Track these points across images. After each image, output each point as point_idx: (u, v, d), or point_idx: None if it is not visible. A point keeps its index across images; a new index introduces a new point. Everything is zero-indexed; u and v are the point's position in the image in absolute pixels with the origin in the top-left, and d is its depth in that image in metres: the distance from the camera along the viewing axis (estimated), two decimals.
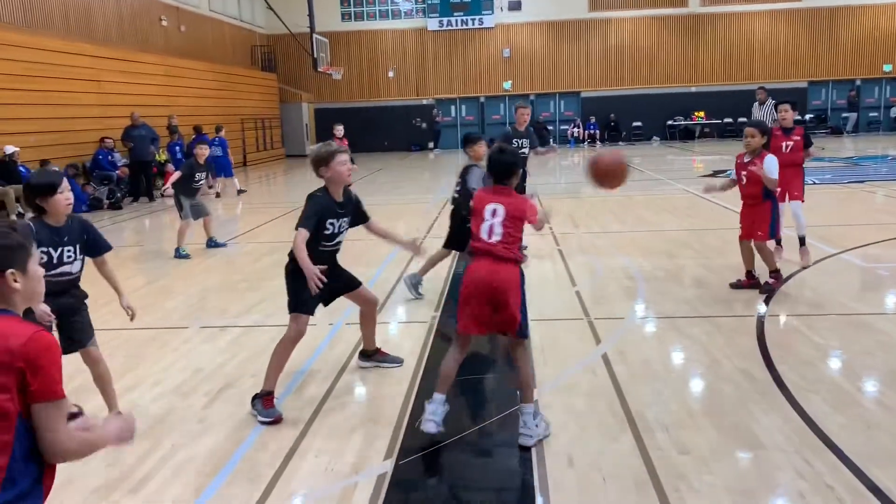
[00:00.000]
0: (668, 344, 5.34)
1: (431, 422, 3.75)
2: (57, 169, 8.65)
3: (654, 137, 31.86)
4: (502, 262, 3.73)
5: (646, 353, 5.09)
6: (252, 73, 28.91)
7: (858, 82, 31.81)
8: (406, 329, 6.01)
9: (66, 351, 4.13)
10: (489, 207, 3.80)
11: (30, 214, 4.19)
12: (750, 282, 6.58)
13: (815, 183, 14.57)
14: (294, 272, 4.41)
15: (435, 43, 32.64)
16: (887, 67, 31.44)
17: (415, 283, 6.90)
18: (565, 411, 4.14)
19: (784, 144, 7.53)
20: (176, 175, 9.52)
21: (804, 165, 7.80)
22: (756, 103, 13.31)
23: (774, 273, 6.54)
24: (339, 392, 4.61)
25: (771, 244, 6.81)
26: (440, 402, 3.83)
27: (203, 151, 9.78)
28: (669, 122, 31.88)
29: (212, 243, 9.97)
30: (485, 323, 3.81)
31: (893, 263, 7.52)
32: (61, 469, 3.62)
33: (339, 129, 14.09)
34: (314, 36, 25.28)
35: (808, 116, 31.95)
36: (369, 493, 3.35)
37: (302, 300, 4.43)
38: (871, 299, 6.47)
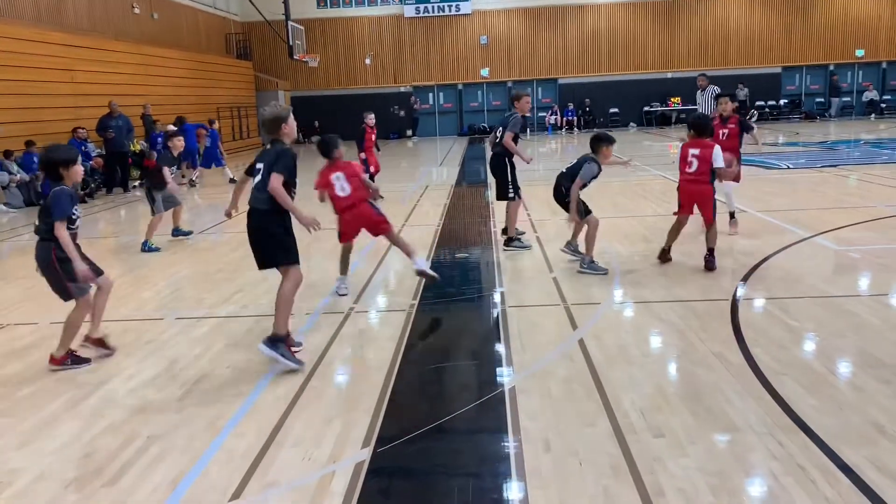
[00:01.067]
0: (644, 329, 5.38)
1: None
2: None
3: (631, 123, 31.99)
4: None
5: (622, 339, 5.13)
6: (227, 61, 28.59)
7: (832, 67, 32.12)
8: (385, 317, 6.00)
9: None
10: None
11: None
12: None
13: (789, 167, 14.73)
14: (282, 227, 4.82)
15: (412, 30, 32.47)
16: (860, 52, 31.78)
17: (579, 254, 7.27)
18: (542, 397, 4.17)
19: (721, 132, 8.47)
20: (166, 171, 9.30)
21: (743, 150, 9.00)
22: (698, 90, 13.49)
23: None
24: (316, 381, 4.60)
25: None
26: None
27: (178, 143, 9.67)
28: (646, 108, 32.04)
29: (177, 232, 9.90)
30: None
31: (865, 246, 7.63)
32: (35, 461, 3.60)
33: (371, 118, 13.59)
34: (289, 23, 25.04)
35: (782, 101, 32.25)
36: (347, 481, 3.35)
37: (295, 250, 4.90)
38: (844, 282, 6.56)
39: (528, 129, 28.69)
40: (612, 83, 31.91)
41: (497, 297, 6.38)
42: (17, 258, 9.40)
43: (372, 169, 13.15)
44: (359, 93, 32.35)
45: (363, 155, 13.06)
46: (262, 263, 4.91)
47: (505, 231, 8.49)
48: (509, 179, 8.32)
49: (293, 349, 4.93)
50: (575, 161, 7.42)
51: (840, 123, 29.20)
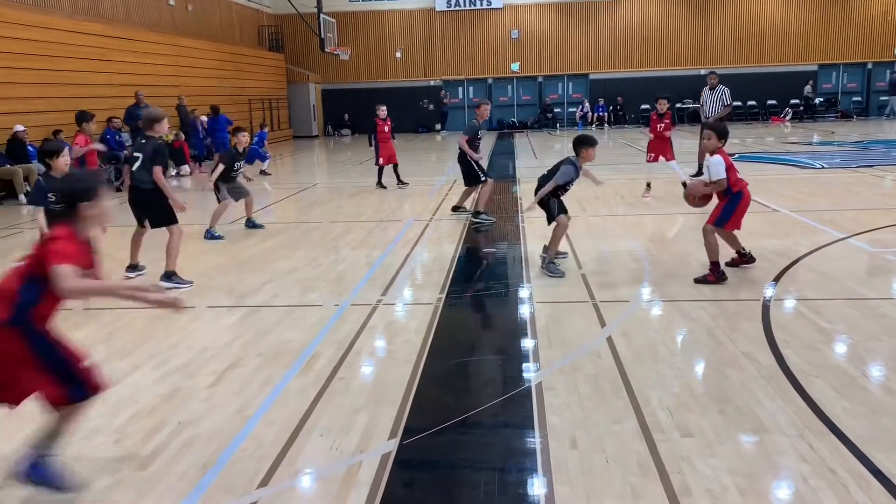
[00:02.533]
0: (672, 327, 5.34)
1: None
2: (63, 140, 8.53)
3: None
4: None
5: (650, 336, 5.10)
6: (259, 53, 28.82)
7: (870, 65, 31.53)
8: (412, 310, 6.02)
9: None
10: None
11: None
12: (742, 259, 6.80)
13: (823, 167, 14.49)
14: (163, 200, 7.03)
15: (443, 23, 32.46)
16: None
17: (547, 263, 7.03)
18: (569, 393, 4.15)
19: (658, 125, 11.61)
20: (219, 169, 9.44)
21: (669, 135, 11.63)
22: (707, 88, 13.33)
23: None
24: (344, 372, 4.63)
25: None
26: None
27: (243, 139, 9.75)
28: (678, 105, 31.68)
29: (250, 224, 10.03)
30: None
31: None
32: (67, 445, 3.66)
33: (383, 110, 13.91)
34: (321, 16, 25.17)
35: (818, 100, 31.71)
36: (374, 471, 3.37)
37: (173, 214, 7.05)
38: (878, 284, 6.45)
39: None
40: (643, 79, 31.62)
41: (525, 293, 6.36)
42: None
43: (381, 161, 13.34)
44: (388, 86, 32.44)
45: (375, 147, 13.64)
46: (154, 225, 7.17)
47: (473, 214, 10.03)
48: (475, 168, 10.09)
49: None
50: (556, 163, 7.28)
51: (877, 123, 28.63)
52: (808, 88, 30.98)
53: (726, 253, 6.66)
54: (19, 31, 14.44)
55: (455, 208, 10.64)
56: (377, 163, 13.57)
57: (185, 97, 19.28)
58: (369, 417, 3.95)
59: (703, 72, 31.02)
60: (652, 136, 11.80)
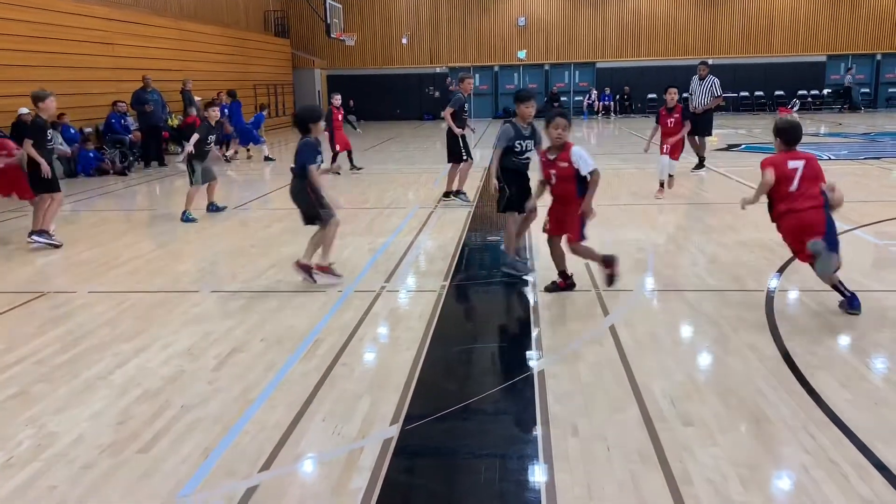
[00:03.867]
0: (676, 317, 5.33)
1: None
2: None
3: None
4: None
5: (653, 326, 5.09)
6: (265, 38, 28.71)
7: (879, 57, 31.31)
8: (415, 297, 6.02)
9: None
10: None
11: None
12: (565, 283, 5.94)
13: (830, 159, 14.41)
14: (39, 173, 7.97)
15: (449, 9, 32.30)
16: None
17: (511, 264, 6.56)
18: (571, 381, 4.16)
19: (668, 121, 10.69)
20: (194, 138, 9.47)
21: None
22: (696, 77, 13.27)
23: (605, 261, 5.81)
24: (347, 358, 4.64)
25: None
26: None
27: (214, 113, 9.79)
28: (685, 95, 31.45)
29: (212, 208, 10.03)
30: None
31: None
32: (72, 426, 3.68)
33: (338, 99, 14.50)
34: (328, 1, 25.03)
35: (826, 91, 31.51)
36: (375, 457, 3.38)
37: (55, 183, 8.26)
38: (883, 276, 6.43)
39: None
40: (651, 68, 31.45)
41: (529, 281, 6.35)
42: (59, 228, 9.58)
43: (338, 147, 13.93)
44: (394, 72, 32.34)
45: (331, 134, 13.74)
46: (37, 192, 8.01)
47: (452, 193, 10.33)
48: (461, 145, 10.11)
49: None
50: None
51: (888, 115, 28.46)
52: (848, 78, 30.35)
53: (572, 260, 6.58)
54: (24, 13, 14.39)
55: (446, 194, 10.41)
56: (333, 150, 13.72)
57: (191, 81, 19.23)
58: (371, 403, 3.96)
59: (710, 61, 30.99)
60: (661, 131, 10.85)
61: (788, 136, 5.29)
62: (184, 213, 9.43)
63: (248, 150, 17.80)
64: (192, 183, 9.58)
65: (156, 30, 19.54)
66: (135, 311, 5.71)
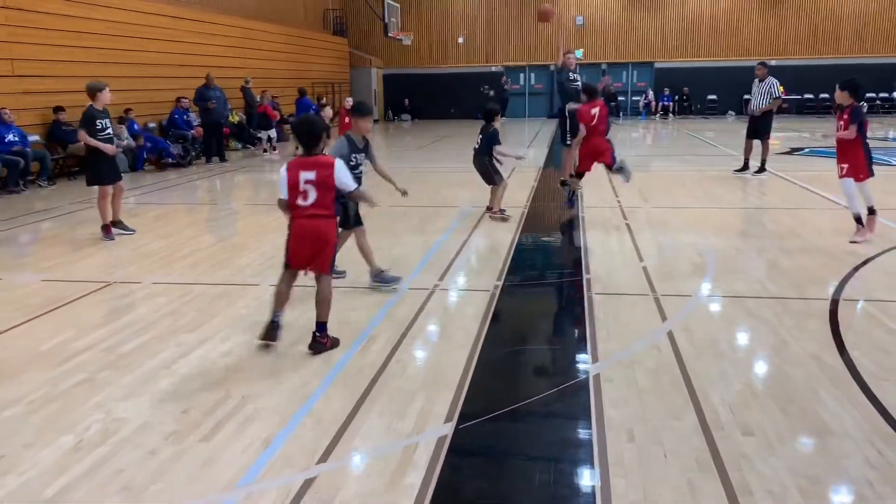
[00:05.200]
0: (735, 323, 5.23)
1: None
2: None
3: (730, 112, 30.87)
4: None
5: (712, 332, 5.01)
6: (324, 36, 29.10)
7: None
8: (469, 296, 6.04)
9: None
10: None
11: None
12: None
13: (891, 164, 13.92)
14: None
15: (506, 9, 32.21)
16: None
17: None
18: (628, 386, 4.12)
19: (839, 123, 7.59)
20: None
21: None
22: (756, 80, 12.86)
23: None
24: (401, 355, 4.69)
25: None
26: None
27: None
28: (746, 97, 30.72)
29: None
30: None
31: None
32: (138, 413, 3.81)
33: (349, 101, 14.88)
34: (386, 1, 25.22)
35: None
36: (429, 454, 3.41)
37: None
38: None
39: (618, 116, 28.02)
40: (711, 69, 30.83)
41: (583, 283, 6.32)
42: (123, 219, 9.89)
43: None
44: (449, 72, 32.41)
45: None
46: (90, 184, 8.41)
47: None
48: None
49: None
50: None
51: None
52: None
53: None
54: (95, 11, 14.90)
55: (563, 182, 10.60)
56: None
57: (252, 79, 19.64)
58: (425, 400, 3.99)
59: (773, 62, 30.20)
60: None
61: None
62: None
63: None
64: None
65: (220, 28, 20.00)
66: (197, 302, 5.87)
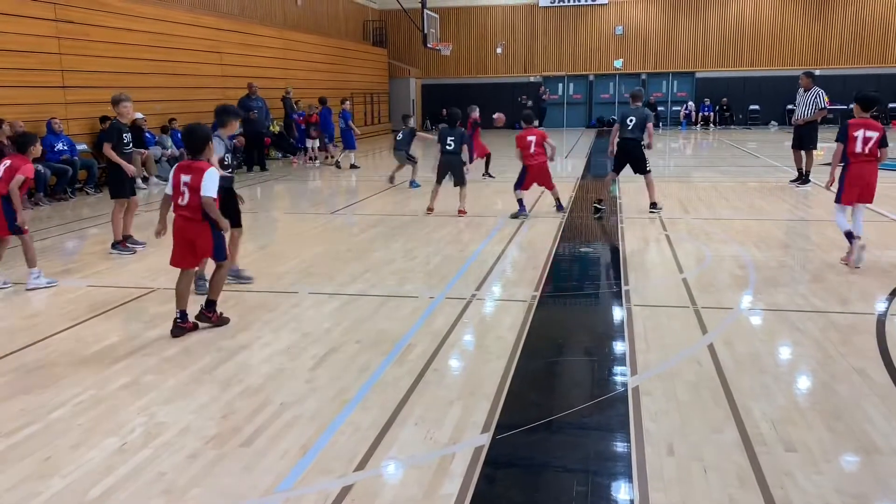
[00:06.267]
0: (778, 337, 5.13)
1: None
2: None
3: (773, 122, 30.39)
4: None
5: (754, 346, 4.92)
6: (363, 47, 29.40)
7: None
8: (506, 306, 6.02)
9: None
10: None
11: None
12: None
13: None
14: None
15: (545, 19, 32.18)
16: None
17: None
18: (667, 399, 4.07)
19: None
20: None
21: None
22: (801, 89, 12.60)
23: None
24: (438, 364, 4.70)
25: None
26: None
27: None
28: (789, 107, 30.25)
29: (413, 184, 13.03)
30: None
31: None
32: (179, 417, 3.87)
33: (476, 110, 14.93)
34: (425, 11, 25.39)
35: None
36: (466, 464, 3.41)
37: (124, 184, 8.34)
38: None
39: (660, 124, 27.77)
40: (753, 78, 30.41)
41: (622, 295, 6.26)
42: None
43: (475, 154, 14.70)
44: (488, 82, 32.45)
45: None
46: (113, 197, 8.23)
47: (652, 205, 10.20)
48: (646, 158, 9.98)
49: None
50: None
51: None
52: None
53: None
54: (141, 23, 15.26)
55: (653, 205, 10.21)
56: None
57: (293, 90, 19.91)
58: (462, 410, 3.99)
59: (817, 72, 29.58)
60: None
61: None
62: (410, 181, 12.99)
63: (327, 154, 18.50)
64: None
65: (261, 39, 20.33)
66: (238, 309, 5.95)
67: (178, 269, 5.48)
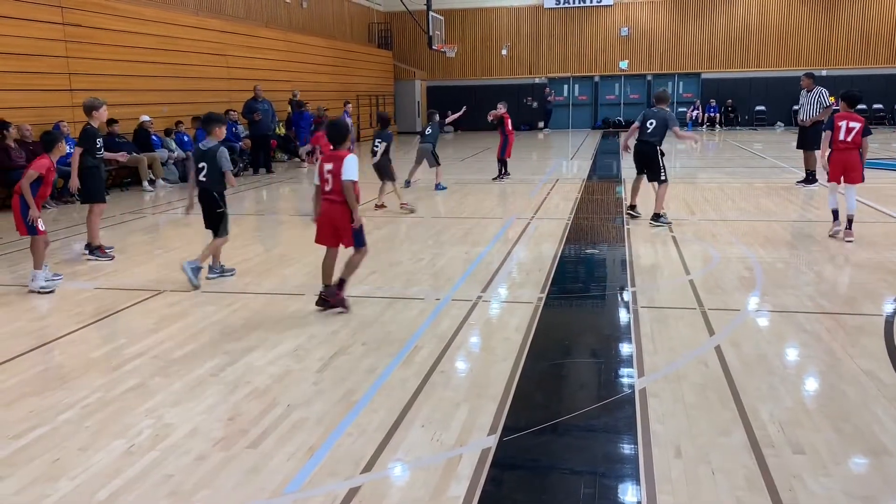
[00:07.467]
0: (786, 339, 5.12)
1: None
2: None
3: (779, 123, 30.29)
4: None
5: (762, 347, 4.91)
6: (369, 49, 29.45)
7: None
8: (512, 308, 6.02)
9: None
10: None
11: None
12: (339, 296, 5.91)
13: None
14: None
15: (550, 21, 32.17)
16: None
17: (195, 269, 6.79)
18: (674, 401, 4.06)
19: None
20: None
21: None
22: (803, 90, 12.59)
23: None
24: (444, 365, 4.70)
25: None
26: None
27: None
28: (795, 107, 30.12)
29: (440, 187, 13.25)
30: None
31: None
32: (187, 419, 3.88)
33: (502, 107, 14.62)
34: (430, 13, 25.42)
35: None
36: (473, 466, 3.40)
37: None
38: None
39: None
40: (759, 79, 30.32)
41: (628, 297, 6.25)
42: (173, 229, 10.13)
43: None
44: (493, 83, 32.43)
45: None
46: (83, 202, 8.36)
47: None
48: (661, 165, 9.62)
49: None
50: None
51: None
52: None
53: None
54: (147, 26, 15.32)
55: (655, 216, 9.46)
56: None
57: (299, 92, 19.95)
58: (469, 412, 3.99)
59: (824, 72, 29.51)
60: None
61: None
62: (436, 184, 13.20)
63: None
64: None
65: (266, 41, 20.38)
66: (244, 311, 5.97)
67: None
